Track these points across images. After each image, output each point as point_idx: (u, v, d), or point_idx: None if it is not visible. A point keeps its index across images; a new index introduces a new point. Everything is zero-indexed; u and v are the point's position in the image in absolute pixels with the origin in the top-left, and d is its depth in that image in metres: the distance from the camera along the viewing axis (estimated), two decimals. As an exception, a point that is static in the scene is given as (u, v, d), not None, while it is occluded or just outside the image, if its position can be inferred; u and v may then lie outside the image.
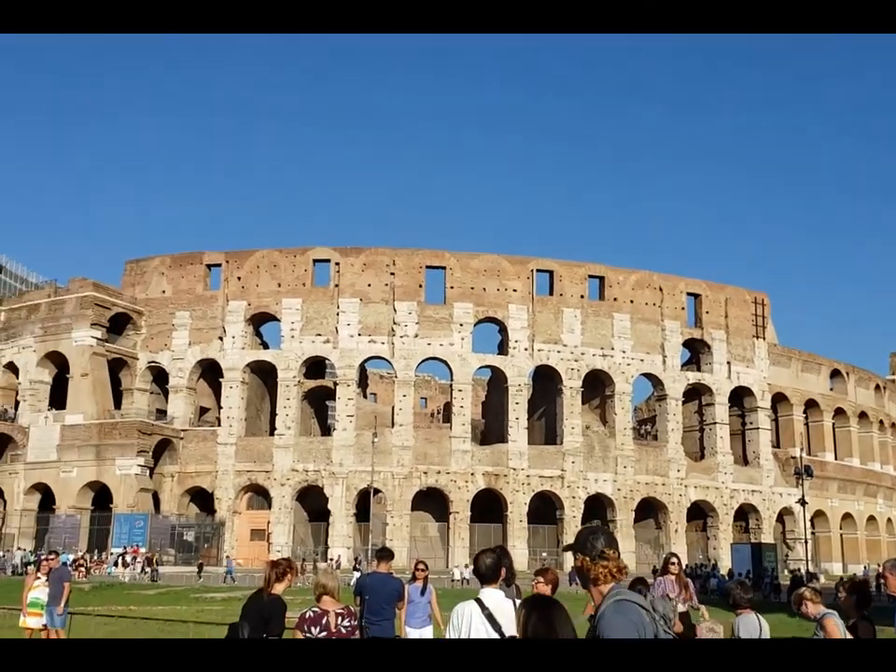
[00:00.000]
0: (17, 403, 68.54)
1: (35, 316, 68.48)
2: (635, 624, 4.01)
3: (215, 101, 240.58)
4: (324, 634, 7.35)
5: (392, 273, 66.92)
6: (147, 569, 52.33)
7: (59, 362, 67.04)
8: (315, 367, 70.74)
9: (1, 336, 69.86)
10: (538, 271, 69.19)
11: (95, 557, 56.68)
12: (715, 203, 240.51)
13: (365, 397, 78.61)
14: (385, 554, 11.39)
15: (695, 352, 74.00)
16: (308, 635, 7.36)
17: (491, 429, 73.74)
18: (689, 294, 73.19)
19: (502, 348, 68.57)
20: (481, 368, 69.14)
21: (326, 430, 73.55)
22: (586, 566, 4.35)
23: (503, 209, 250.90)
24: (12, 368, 69.23)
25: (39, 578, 16.74)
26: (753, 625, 8.69)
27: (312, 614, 7.48)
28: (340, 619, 7.43)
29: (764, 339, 75.37)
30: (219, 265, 69.44)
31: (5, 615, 21.00)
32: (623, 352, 69.18)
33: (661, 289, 71.38)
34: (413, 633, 11.73)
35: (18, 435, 65.61)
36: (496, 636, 5.91)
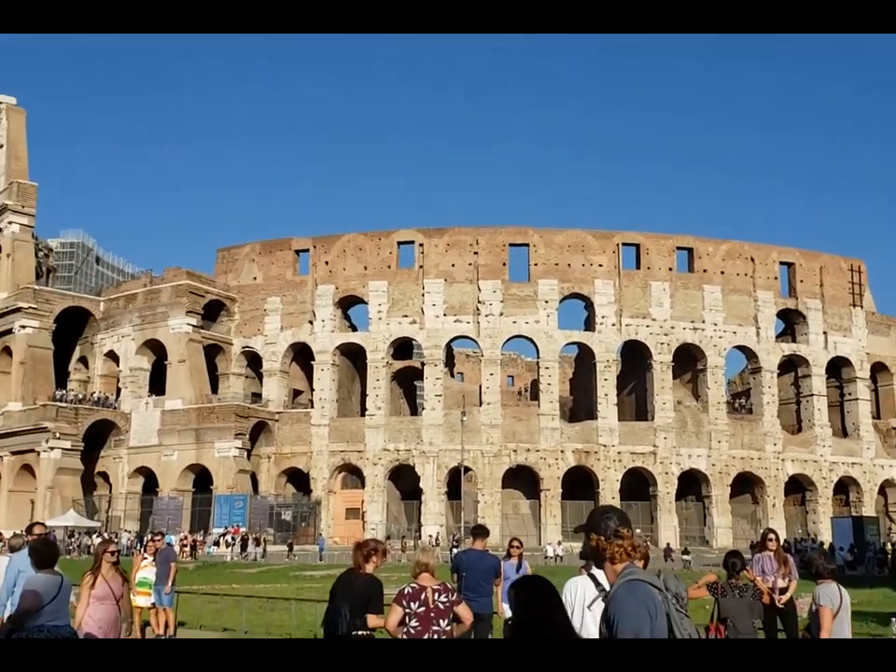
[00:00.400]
0: (118, 390, 71.26)
1: (133, 306, 70.92)
2: (646, 605, 4.04)
3: (295, 88, 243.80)
4: (422, 609, 7.55)
5: (475, 253, 66.92)
6: (255, 549, 53.88)
7: (157, 349, 69.34)
8: (403, 348, 71.44)
9: (101, 326, 72.61)
10: (623, 244, 68.18)
11: (200, 537, 58.56)
12: (806, 168, 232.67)
13: (452, 376, 79.04)
14: (480, 532, 11.48)
15: (790, 323, 71.94)
16: (407, 610, 7.55)
17: (580, 406, 73.25)
18: (782, 263, 71.08)
19: (589, 324, 67.93)
20: (567, 344, 68.68)
21: (415, 410, 74.30)
22: (601, 545, 4.39)
23: (587, 183, 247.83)
24: (112, 356, 71.95)
25: (146, 558, 17.27)
26: (834, 595, 8.60)
27: (410, 590, 7.68)
28: (437, 595, 7.64)
29: (862, 307, 72.74)
30: (307, 250, 70.63)
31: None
32: (715, 324, 67.75)
33: (752, 259, 69.53)
34: (509, 609, 11.83)
35: (120, 421, 68.22)
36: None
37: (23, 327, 67.79)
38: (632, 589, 4.12)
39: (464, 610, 7.83)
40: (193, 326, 67.81)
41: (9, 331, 69.21)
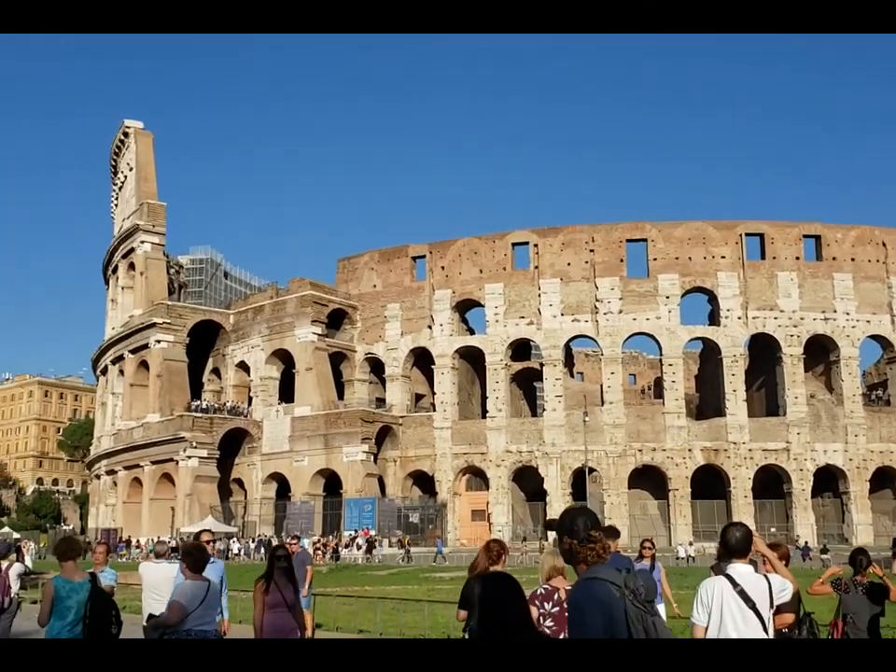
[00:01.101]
0: (250, 399, 73.88)
1: (261, 317, 73.45)
2: (600, 602, 4.26)
3: (411, 96, 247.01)
4: (556, 609, 7.63)
5: (591, 250, 66.25)
6: (402, 550, 54.64)
7: (285, 358, 71.57)
8: (521, 349, 71.38)
9: (231, 337, 75.50)
10: (747, 235, 66.12)
11: (336, 540, 59.70)
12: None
13: (572, 376, 78.45)
14: (611, 533, 11.38)
15: (928, 308, 68.20)
16: (541, 610, 7.65)
17: (707, 403, 71.48)
18: (917, 247, 67.47)
19: (713, 318, 66.23)
20: (691, 340, 67.10)
21: (535, 411, 74.13)
22: (575, 548, 4.59)
23: (706, 174, 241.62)
24: (243, 366, 74.70)
25: (283, 562, 17.77)
26: None
27: (543, 591, 7.79)
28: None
29: None
30: (424, 256, 71.52)
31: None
32: (847, 314, 64.89)
33: (884, 244, 66.24)
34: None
35: (253, 429, 70.70)
36: (750, 613, 5.74)
37: (158, 341, 71.17)
38: (588, 587, 4.36)
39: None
40: (318, 334, 69.66)
41: (146, 346, 72.79)
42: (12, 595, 13.98)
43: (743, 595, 5.74)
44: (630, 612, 4.24)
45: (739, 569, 5.91)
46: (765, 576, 6.03)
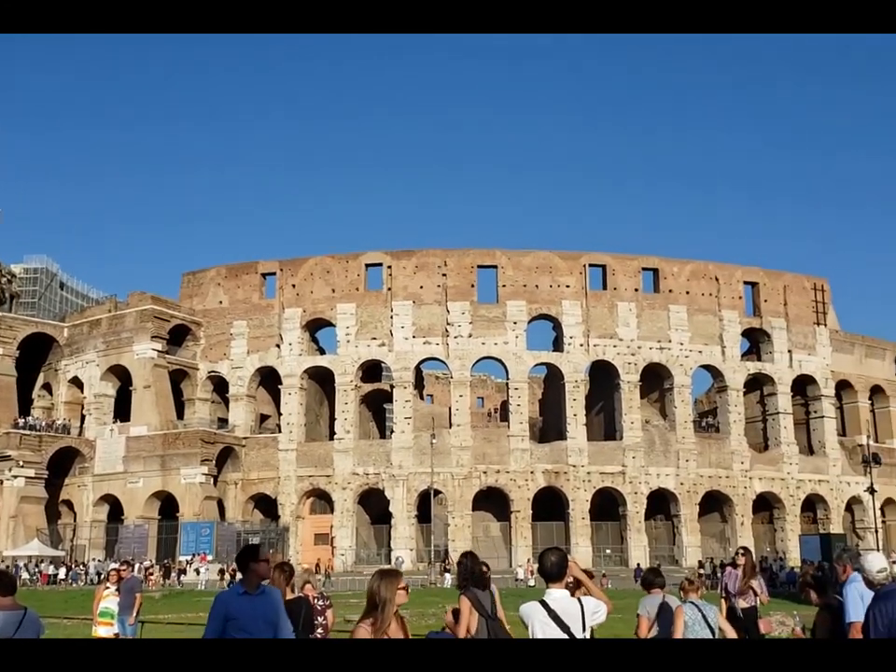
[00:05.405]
0: (83, 417, 70.16)
1: (97, 331, 70.04)
2: None
3: (261, 113, 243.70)
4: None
5: (444, 274, 67.03)
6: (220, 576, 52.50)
7: (122, 375, 68.44)
8: (372, 370, 71.16)
9: (65, 352, 71.57)
10: (590, 265, 68.63)
11: (177, 565, 56.98)
12: (768, 188, 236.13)
13: (422, 398, 78.78)
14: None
15: (755, 341, 72.68)
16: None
17: (549, 427, 73.37)
18: (746, 283, 71.84)
19: (557, 345, 68.18)
20: (536, 365, 68.82)
21: (384, 433, 73.95)
22: None
23: (553, 204, 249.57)
24: (77, 382, 70.89)
25: (109, 587, 16.87)
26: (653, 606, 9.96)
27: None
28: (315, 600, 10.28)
29: (826, 325, 73.64)
30: (274, 274, 70.28)
31: (78, 625, 21.55)
32: (681, 344, 68.24)
33: (717, 279, 70.25)
34: None
35: (85, 448, 67.11)
36: (563, 636, 5.81)
37: (-16, 354, 66.60)
38: None
39: (332, 615, 10.32)
40: (158, 351, 67.05)
41: (-30, 358, 67.97)
42: None
43: (557, 619, 5.91)
44: None
45: (554, 594, 6.09)
46: (579, 599, 6.15)
